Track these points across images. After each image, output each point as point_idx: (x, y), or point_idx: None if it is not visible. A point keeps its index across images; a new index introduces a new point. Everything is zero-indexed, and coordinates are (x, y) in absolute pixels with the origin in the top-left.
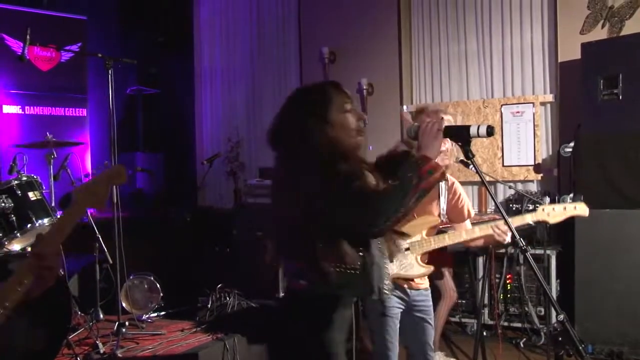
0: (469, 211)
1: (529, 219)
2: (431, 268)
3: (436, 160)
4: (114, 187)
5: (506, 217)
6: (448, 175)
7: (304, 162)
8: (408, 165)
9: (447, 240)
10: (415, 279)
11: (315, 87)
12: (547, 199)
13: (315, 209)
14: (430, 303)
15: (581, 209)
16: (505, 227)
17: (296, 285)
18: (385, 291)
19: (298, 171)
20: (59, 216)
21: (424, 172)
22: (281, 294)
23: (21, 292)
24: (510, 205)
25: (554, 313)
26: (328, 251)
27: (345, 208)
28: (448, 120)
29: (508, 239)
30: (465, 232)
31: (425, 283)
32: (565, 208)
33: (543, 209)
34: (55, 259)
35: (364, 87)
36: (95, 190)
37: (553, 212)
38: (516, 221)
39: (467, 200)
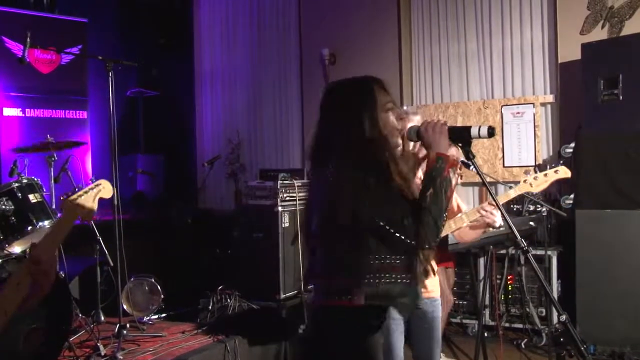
0: (459, 206)
1: (513, 193)
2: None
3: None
4: (105, 197)
5: (506, 216)
6: None
7: (355, 171)
8: (434, 170)
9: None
10: (427, 286)
11: (359, 83)
12: (535, 173)
13: (370, 224)
14: (440, 312)
15: (562, 172)
16: (491, 206)
17: (337, 302)
18: (422, 297)
19: (346, 181)
20: (51, 227)
21: (447, 172)
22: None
23: (19, 295)
24: (511, 205)
25: (555, 314)
26: (375, 263)
27: (404, 225)
28: (418, 120)
29: (498, 219)
30: (454, 222)
31: (436, 291)
32: (546, 174)
33: (525, 180)
34: (50, 265)
35: None
36: (84, 203)
37: (535, 182)
38: (502, 199)
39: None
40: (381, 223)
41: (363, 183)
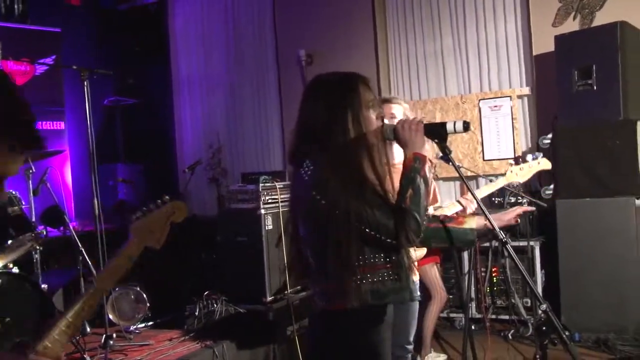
0: (435, 196)
1: (501, 182)
2: (424, 250)
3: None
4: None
5: (485, 209)
6: None
7: (333, 169)
8: (412, 170)
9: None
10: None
11: (344, 78)
12: (518, 164)
13: (350, 226)
14: (416, 294)
15: (544, 163)
16: (469, 198)
17: (330, 306)
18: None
19: (328, 180)
20: (116, 255)
21: (424, 171)
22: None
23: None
24: (493, 198)
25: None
26: (362, 264)
27: (381, 227)
28: (407, 108)
29: (474, 207)
30: (434, 211)
31: (417, 275)
32: (530, 166)
33: (511, 171)
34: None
35: None
36: (153, 227)
37: (521, 172)
38: (490, 188)
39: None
40: (362, 226)
41: (340, 183)
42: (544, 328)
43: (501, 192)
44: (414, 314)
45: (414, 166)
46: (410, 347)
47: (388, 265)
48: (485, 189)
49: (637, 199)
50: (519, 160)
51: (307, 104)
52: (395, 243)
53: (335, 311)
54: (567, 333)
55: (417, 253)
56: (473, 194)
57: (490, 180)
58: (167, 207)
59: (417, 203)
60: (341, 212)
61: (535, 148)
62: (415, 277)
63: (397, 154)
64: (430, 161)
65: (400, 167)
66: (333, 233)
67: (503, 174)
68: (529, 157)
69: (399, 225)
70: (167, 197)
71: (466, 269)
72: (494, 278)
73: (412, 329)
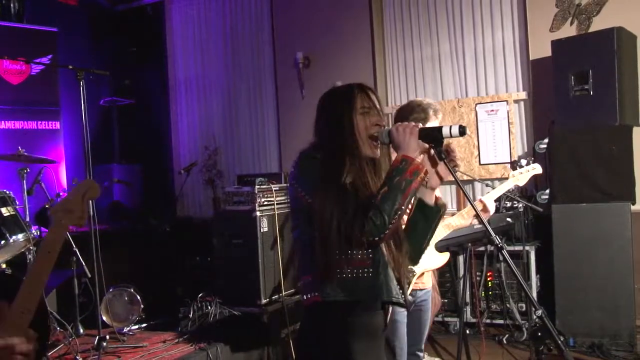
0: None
1: (506, 186)
2: (448, 254)
3: (417, 159)
4: (90, 201)
5: (481, 214)
6: None
7: (313, 168)
8: (394, 170)
9: (452, 224)
10: (423, 280)
11: (342, 88)
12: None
13: (318, 215)
14: (430, 301)
15: (537, 168)
16: (480, 203)
17: (308, 300)
18: (397, 295)
19: (305, 180)
20: (44, 240)
21: (409, 174)
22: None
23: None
24: None
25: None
26: (337, 258)
27: (346, 219)
28: (440, 118)
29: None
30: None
31: (429, 282)
32: (527, 170)
33: (513, 175)
34: (27, 343)
35: None
36: (71, 207)
37: (521, 175)
38: (497, 192)
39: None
40: (332, 218)
41: (320, 180)
42: (539, 334)
43: (498, 196)
44: (424, 321)
45: (398, 167)
46: (422, 354)
47: (367, 262)
48: (495, 192)
49: (633, 204)
50: (515, 164)
51: (316, 120)
52: (358, 236)
53: (310, 305)
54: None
55: (440, 260)
56: (468, 199)
57: (487, 185)
58: (79, 186)
59: (387, 200)
60: (315, 206)
61: (532, 152)
62: (424, 284)
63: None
64: (421, 168)
65: None
66: (307, 226)
67: (499, 179)
68: (523, 161)
69: (357, 217)
70: (77, 178)
71: (461, 273)
72: (489, 282)
73: (422, 336)
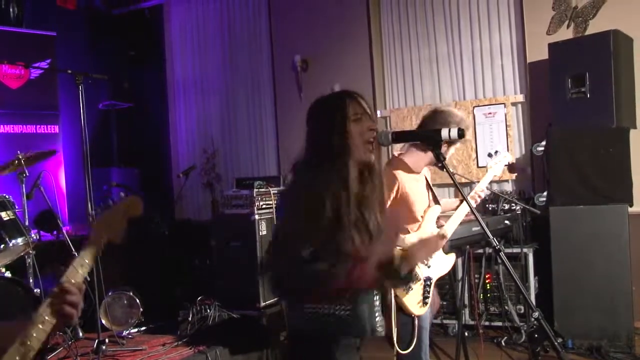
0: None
1: (487, 178)
2: (454, 254)
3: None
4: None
5: (479, 216)
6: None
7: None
8: (385, 271)
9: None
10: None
11: (332, 96)
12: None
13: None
14: (427, 323)
15: (508, 156)
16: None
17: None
18: (378, 329)
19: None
20: (80, 254)
21: (370, 284)
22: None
23: (44, 333)
24: (487, 205)
25: None
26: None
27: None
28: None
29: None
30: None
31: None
32: (500, 160)
33: (490, 167)
34: (78, 295)
35: None
36: (112, 222)
37: (496, 165)
38: (481, 185)
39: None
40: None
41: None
42: (536, 335)
43: (495, 199)
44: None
45: (387, 271)
46: None
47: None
48: (480, 186)
49: (630, 206)
50: (491, 155)
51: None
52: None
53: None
54: (560, 340)
55: (450, 263)
56: (467, 201)
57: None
58: (123, 203)
59: (323, 280)
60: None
61: (529, 155)
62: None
63: (418, 163)
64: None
65: (419, 176)
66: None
67: (497, 181)
68: (497, 151)
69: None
70: (122, 194)
71: (459, 275)
72: (488, 285)
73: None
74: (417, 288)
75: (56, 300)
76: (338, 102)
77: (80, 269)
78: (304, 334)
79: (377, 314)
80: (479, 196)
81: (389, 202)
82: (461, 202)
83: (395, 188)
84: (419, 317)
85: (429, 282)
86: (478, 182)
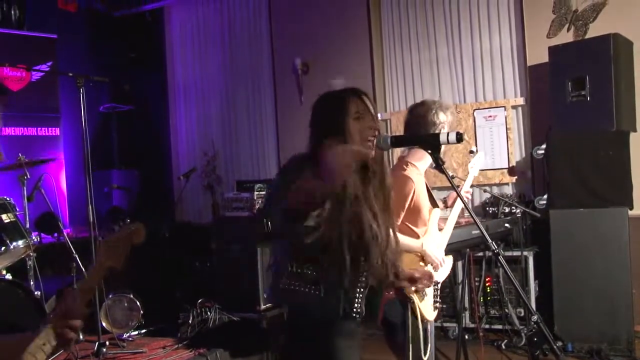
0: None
1: (470, 178)
2: (451, 257)
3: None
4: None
5: (477, 220)
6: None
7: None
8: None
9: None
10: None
11: (334, 93)
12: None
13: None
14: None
15: (480, 154)
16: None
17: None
18: (355, 314)
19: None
20: (84, 278)
21: None
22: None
23: (44, 352)
24: (487, 208)
25: None
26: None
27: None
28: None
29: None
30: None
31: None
32: (476, 160)
33: (471, 166)
34: (79, 320)
35: None
36: (115, 248)
37: (473, 168)
38: (467, 184)
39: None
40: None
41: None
42: (535, 339)
43: (495, 202)
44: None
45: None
46: None
47: (311, 278)
48: (466, 184)
49: (630, 209)
50: (472, 152)
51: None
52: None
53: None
54: (559, 343)
55: (450, 264)
56: (465, 205)
57: (485, 191)
58: (127, 230)
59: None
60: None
61: (530, 158)
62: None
63: (423, 165)
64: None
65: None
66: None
67: (497, 184)
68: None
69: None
70: (128, 220)
71: (460, 278)
72: (488, 288)
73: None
74: (430, 293)
75: (58, 324)
76: (340, 98)
77: (39, 352)
78: (300, 316)
79: (357, 301)
80: (467, 198)
81: (406, 206)
82: (451, 205)
83: (412, 192)
84: (430, 322)
85: (437, 286)
86: (477, 186)
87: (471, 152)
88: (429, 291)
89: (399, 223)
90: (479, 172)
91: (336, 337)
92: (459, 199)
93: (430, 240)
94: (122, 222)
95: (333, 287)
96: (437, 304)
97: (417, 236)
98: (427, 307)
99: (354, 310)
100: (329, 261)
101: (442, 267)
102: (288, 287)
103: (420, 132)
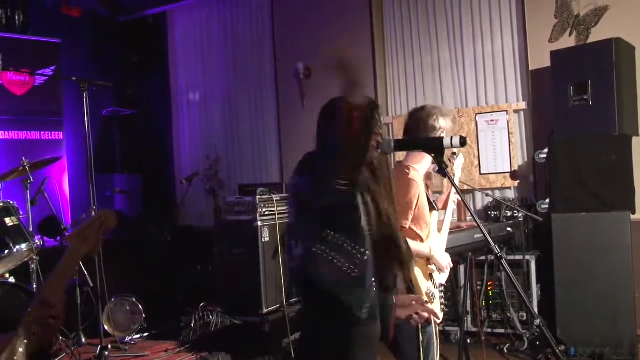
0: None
1: (457, 180)
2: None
3: None
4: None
5: (480, 224)
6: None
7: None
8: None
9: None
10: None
11: (361, 100)
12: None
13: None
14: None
15: (460, 156)
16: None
17: None
18: (364, 311)
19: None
20: (58, 265)
21: None
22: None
23: (27, 351)
24: (489, 212)
25: None
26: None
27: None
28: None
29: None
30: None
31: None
32: (457, 163)
33: (452, 169)
34: (60, 307)
35: None
36: (88, 235)
37: (455, 166)
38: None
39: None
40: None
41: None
42: (538, 343)
43: (497, 206)
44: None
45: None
46: None
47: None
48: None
49: (633, 213)
50: (455, 154)
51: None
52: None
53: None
54: (562, 347)
55: (445, 275)
56: (469, 209)
57: (487, 194)
58: (97, 216)
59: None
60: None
61: (532, 162)
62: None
63: (424, 168)
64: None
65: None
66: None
67: (499, 188)
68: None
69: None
70: (94, 207)
71: (462, 282)
72: (490, 292)
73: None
74: (437, 295)
75: (38, 314)
76: (369, 107)
77: (58, 282)
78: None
79: (366, 307)
80: (455, 202)
81: (412, 209)
82: (442, 208)
83: (418, 195)
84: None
85: (442, 288)
86: (480, 190)
87: (454, 154)
88: (437, 293)
89: (407, 227)
90: (480, 176)
91: (357, 345)
92: (450, 201)
93: (435, 244)
94: (86, 214)
95: (364, 278)
96: (443, 307)
97: (420, 239)
98: (436, 309)
99: (373, 311)
100: (376, 251)
101: (447, 270)
102: (322, 254)
103: (420, 136)
